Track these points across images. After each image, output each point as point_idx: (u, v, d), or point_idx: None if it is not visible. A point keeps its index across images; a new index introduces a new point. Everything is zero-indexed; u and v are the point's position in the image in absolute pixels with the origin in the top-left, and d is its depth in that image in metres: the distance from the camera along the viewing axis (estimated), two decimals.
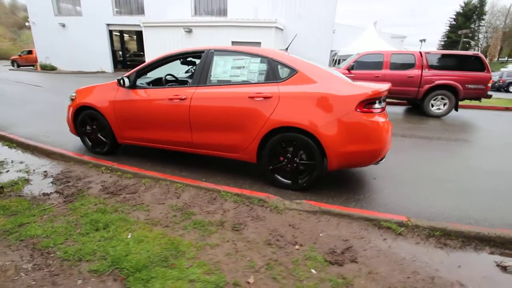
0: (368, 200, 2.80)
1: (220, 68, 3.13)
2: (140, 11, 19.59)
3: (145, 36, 16.65)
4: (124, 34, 25.33)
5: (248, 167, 3.51)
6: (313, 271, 1.72)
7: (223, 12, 18.26)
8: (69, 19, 20.98)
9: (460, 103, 7.80)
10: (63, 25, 21.04)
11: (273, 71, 2.90)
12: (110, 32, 20.95)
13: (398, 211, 2.54)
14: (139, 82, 3.57)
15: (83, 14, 20.54)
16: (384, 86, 2.78)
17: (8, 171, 3.16)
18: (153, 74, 3.87)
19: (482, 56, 7.27)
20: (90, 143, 3.89)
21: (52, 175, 3.06)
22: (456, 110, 7.44)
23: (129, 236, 1.95)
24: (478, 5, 50.49)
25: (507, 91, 19.12)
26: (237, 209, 2.41)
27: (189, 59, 3.95)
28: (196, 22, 15.71)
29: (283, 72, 2.89)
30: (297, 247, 1.94)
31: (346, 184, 3.15)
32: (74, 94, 3.89)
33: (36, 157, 3.64)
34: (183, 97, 3.11)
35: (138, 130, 3.49)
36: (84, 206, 2.38)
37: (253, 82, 2.97)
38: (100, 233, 1.98)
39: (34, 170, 3.18)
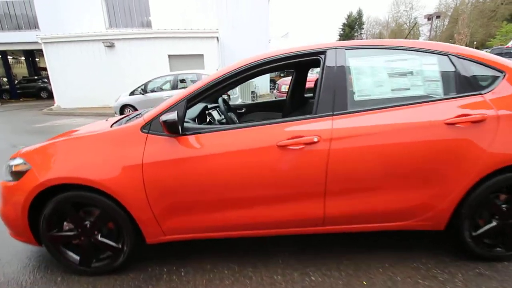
0: None
1: (368, 79, 1.77)
2: (32, 25, 15.23)
3: (48, 55, 12.81)
4: (8, 56, 19.55)
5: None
6: None
7: (146, 24, 15.85)
8: None
9: None
10: None
11: (467, 76, 1.73)
12: None
13: None
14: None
15: None
16: None
17: None
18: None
19: None
20: (77, 257, 1.88)
21: None
22: None
23: None
24: (357, 16, 60.75)
25: None
26: None
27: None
28: (119, 34, 12.93)
29: (483, 76, 1.75)
30: None
31: None
32: (20, 162, 1.83)
33: None
34: (314, 140, 1.62)
35: (200, 213, 1.77)
36: None
37: (438, 97, 1.72)
38: None
39: None
